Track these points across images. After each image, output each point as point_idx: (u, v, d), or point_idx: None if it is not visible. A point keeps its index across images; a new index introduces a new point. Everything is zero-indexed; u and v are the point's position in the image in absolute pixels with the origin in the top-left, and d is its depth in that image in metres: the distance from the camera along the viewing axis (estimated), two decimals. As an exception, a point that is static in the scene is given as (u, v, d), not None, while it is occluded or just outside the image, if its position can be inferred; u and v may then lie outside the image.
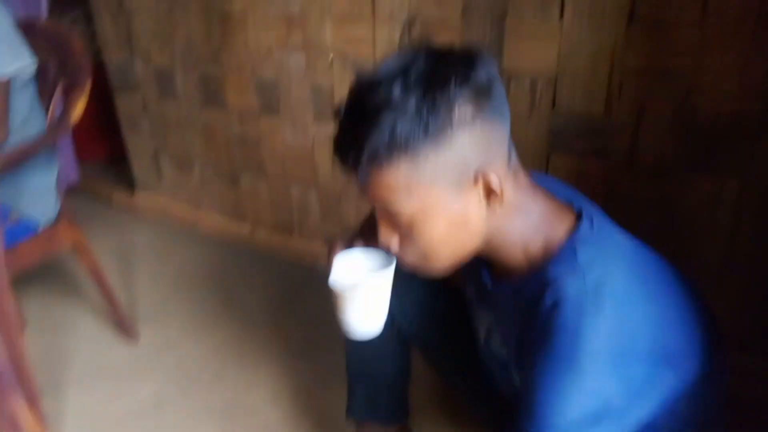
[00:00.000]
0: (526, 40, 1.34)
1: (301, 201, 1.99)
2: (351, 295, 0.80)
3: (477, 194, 0.67)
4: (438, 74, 0.62)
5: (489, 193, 0.67)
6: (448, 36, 1.43)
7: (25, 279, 1.83)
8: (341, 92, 1.70)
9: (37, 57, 1.32)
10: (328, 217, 1.95)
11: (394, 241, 0.73)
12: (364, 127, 0.63)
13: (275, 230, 2.12)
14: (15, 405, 1.28)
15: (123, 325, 1.68)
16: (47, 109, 1.43)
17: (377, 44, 1.57)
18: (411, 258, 0.74)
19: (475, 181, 0.66)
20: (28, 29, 1.36)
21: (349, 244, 0.88)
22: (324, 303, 0.87)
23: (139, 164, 2.45)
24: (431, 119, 0.61)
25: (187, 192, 2.34)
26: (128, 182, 2.53)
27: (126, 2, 2.09)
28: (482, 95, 0.63)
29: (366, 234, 0.89)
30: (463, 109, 0.62)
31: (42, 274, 1.93)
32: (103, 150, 2.84)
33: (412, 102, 0.61)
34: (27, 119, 1.35)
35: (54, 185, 1.44)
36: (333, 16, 1.62)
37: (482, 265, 0.80)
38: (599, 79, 1.27)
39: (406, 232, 0.70)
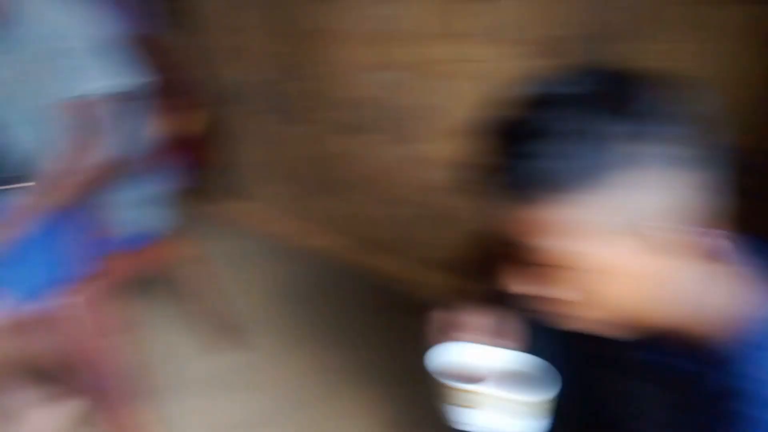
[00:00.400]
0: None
1: (403, 221, 1.93)
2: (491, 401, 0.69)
3: (655, 246, 0.55)
4: (621, 105, 0.52)
5: (667, 247, 0.55)
6: (564, 58, 1.31)
7: (147, 284, 1.85)
8: (453, 111, 1.63)
9: (145, 73, 1.34)
10: (434, 239, 1.86)
11: (537, 288, 0.62)
12: (527, 158, 0.53)
13: (376, 249, 2.06)
14: (124, 410, 1.32)
15: (231, 334, 1.69)
16: (159, 123, 1.45)
17: (488, 64, 1.48)
18: (567, 298, 0.61)
19: (653, 231, 0.54)
20: (138, 45, 1.38)
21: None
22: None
23: (242, 175, 2.51)
24: (605, 156, 0.51)
25: (287, 206, 2.35)
26: (230, 193, 2.59)
27: (234, 19, 2.13)
28: (671, 136, 0.52)
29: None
30: (644, 148, 0.51)
31: (161, 282, 1.95)
32: (208, 159, 2.93)
33: (588, 134, 0.51)
34: (133, 134, 1.37)
35: (164, 197, 1.46)
36: (435, 35, 1.55)
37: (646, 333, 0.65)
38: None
39: (562, 275, 0.59)
